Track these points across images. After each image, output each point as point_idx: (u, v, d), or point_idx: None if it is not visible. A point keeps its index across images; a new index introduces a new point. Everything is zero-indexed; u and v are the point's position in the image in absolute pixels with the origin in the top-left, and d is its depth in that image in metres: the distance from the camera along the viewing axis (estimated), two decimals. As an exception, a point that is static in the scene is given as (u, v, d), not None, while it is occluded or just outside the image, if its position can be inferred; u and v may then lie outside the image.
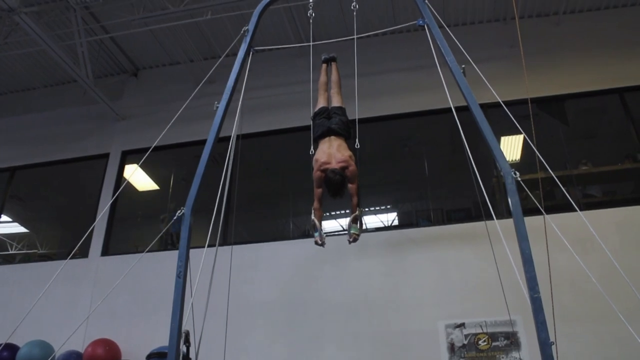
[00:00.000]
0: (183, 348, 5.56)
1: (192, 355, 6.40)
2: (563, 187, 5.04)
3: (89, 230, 6.70)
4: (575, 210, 6.97)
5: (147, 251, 6.16)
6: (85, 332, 7.84)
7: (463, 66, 5.08)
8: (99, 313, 7.77)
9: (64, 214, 11.49)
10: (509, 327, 6.70)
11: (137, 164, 7.54)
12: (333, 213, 9.91)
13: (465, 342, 7.05)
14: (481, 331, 7.04)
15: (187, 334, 5.92)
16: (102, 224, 9.10)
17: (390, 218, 9.00)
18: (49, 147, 10.27)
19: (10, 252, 11.06)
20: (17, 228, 11.51)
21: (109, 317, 8.07)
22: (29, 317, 6.32)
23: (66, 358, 7.64)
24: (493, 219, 5.22)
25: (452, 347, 7.07)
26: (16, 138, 10.61)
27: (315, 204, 5.40)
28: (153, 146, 5.92)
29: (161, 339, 6.68)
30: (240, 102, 5.46)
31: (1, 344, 7.14)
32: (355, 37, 5.73)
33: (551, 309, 4.74)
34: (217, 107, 5.35)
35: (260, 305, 7.82)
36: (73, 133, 10.28)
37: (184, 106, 5.89)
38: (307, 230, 9.97)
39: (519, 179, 4.73)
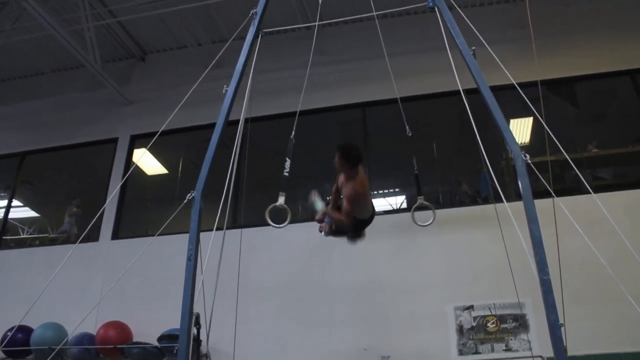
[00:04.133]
0: (194, 330, 5.63)
1: (202, 337, 6.50)
2: (575, 169, 5.02)
3: (99, 214, 6.75)
4: (585, 193, 6.97)
5: (160, 235, 6.21)
6: (97, 314, 7.90)
7: (473, 48, 5.04)
8: (110, 296, 7.83)
9: (75, 199, 11.56)
10: (517, 309, 6.72)
11: (146, 147, 7.55)
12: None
13: (474, 324, 7.09)
14: (490, 313, 7.07)
15: (198, 316, 6.01)
16: (112, 208, 9.17)
17: (398, 201, 8.99)
18: (58, 132, 10.32)
19: (22, 236, 11.15)
20: (28, 212, 11.60)
21: (120, 300, 8.16)
22: (41, 300, 6.40)
23: (79, 340, 7.76)
24: (502, 202, 5.23)
25: (460, 329, 7.11)
26: (26, 123, 10.66)
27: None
28: (161, 130, 5.92)
29: (172, 321, 6.72)
30: (249, 86, 5.45)
31: (14, 326, 7.28)
32: (374, 13, 5.66)
33: (560, 292, 4.73)
34: (226, 91, 5.34)
35: (270, 288, 7.87)
36: (82, 118, 10.31)
37: (192, 90, 5.89)
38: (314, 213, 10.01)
39: (529, 161, 4.72)
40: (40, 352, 7.50)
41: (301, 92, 8.86)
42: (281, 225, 4.66)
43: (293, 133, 5.20)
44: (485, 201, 7.91)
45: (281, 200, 4.75)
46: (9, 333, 7.43)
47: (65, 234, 9.54)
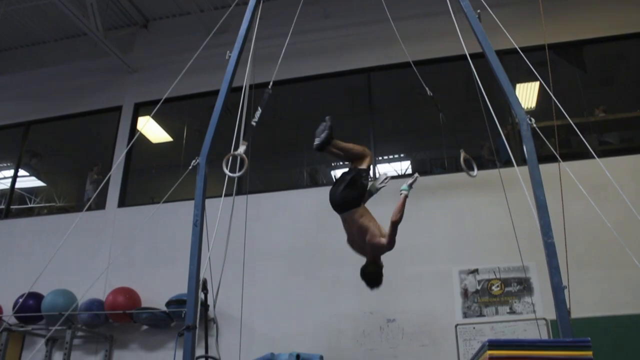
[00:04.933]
0: (201, 295, 5.70)
1: (209, 302, 6.60)
2: (579, 134, 5.00)
3: (104, 181, 6.80)
4: (590, 158, 6.95)
5: (164, 202, 6.26)
6: (106, 281, 8.04)
7: (478, 11, 4.97)
8: (119, 263, 7.97)
9: (80, 168, 11.60)
10: (522, 273, 6.76)
11: (150, 115, 7.55)
12: (346, 162, 9.90)
13: (479, 288, 7.16)
14: (494, 277, 7.14)
15: (205, 282, 6.06)
16: (118, 175, 9.21)
17: (404, 167, 8.99)
18: (61, 101, 10.30)
19: (30, 205, 11.24)
20: (35, 182, 11.67)
21: (128, 267, 8.27)
22: (51, 268, 6.49)
23: (89, 306, 7.89)
24: (508, 167, 5.23)
25: (465, 293, 7.18)
26: (29, 93, 10.64)
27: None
28: (164, 97, 5.92)
29: (180, 287, 6.87)
30: (251, 51, 5.42)
31: (25, 293, 7.40)
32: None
33: (564, 255, 4.77)
34: (229, 57, 5.31)
35: (276, 253, 7.94)
36: (85, 86, 10.28)
37: (195, 56, 5.87)
38: (321, 180, 10.05)
39: (534, 125, 4.70)
40: (51, 317, 7.64)
41: (306, 58, 8.84)
42: (236, 174, 4.61)
43: (271, 84, 5.14)
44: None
45: (242, 149, 4.70)
46: (20, 299, 7.55)
47: (89, 201, 9.53)
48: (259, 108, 4.97)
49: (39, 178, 10.99)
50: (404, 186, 4.99)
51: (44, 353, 8.11)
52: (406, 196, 5.01)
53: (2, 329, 7.39)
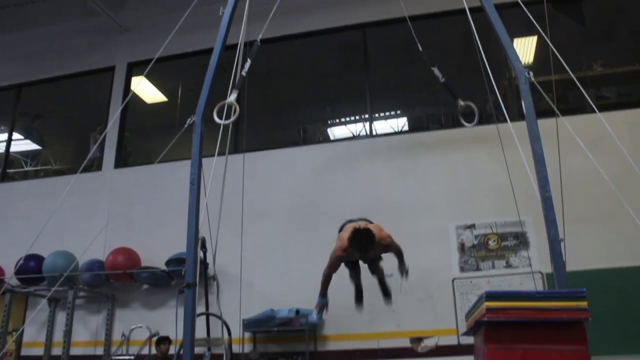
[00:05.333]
0: (200, 253, 5.76)
1: (209, 260, 6.66)
2: (577, 87, 4.97)
3: (99, 141, 6.76)
4: (588, 112, 6.94)
5: (162, 162, 6.25)
6: (105, 242, 8.10)
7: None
8: (117, 224, 8.02)
9: (75, 130, 11.53)
10: (518, 227, 6.82)
11: (143, 75, 7.46)
12: (342, 120, 9.90)
13: (475, 243, 7.23)
14: (491, 232, 7.21)
15: (204, 240, 6.13)
16: (113, 137, 9.17)
17: (400, 124, 8.94)
18: (53, 62, 10.15)
19: (26, 169, 11.20)
20: (30, 145, 11.59)
21: (127, 227, 8.32)
22: (51, 230, 6.52)
23: (89, 266, 7.97)
24: (505, 122, 5.21)
25: (462, 247, 7.27)
26: (20, 54, 10.46)
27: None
28: (157, 56, 5.85)
29: (178, 246, 6.92)
30: (246, 8, 5.33)
31: (25, 255, 7.44)
32: None
33: (561, 209, 4.80)
34: (223, 13, 5.22)
35: (273, 210, 7.98)
36: (77, 47, 10.11)
37: (187, 14, 5.76)
38: (318, 137, 10.02)
39: (533, 79, 4.67)
40: (52, 278, 7.71)
41: (299, 14, 8.68)
42: (227, 122, 4.61)
43: (260, 37, 5.08)
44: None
45: (233, 97, 4.68)
46: (21, 261, 7.61)
47: (90, 162, 9.45)
48: (248, 59, 4.93)
49: (34, 141, 10.90)
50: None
51: (48, 313, 8.23)
52: None
53: (5, 290, 7.46)
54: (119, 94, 9.49)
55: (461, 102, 5.56)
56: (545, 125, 4.89)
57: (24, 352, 8.40)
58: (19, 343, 8.46)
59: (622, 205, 4.72)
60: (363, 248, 4.60)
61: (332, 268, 4.85)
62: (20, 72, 10.32)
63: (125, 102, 7.68)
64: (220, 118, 4.59)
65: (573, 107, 7.71)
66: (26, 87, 10.43)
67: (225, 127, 5.00)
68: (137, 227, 8.40)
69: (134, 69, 9.69)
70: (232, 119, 4.57)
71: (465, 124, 5.54)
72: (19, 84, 10.36)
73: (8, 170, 10.26)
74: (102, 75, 9.92)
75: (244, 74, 4.88)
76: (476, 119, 5.46)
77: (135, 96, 9.72)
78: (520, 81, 4.77)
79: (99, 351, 8.00)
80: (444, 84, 5.62)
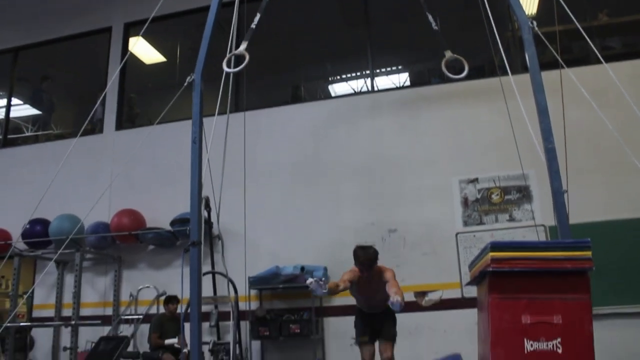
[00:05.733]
0: (204, 213, 5.79)
1: (213, 219, 6.70)
2: (581, 38, 4.88)
3: (98, 102, 6.70)
4: (592, 64, 6.84)
5: (162, 123, 6.22)
6: (110, 204, 8.14)
7: None
8: (121, 186, 8.03)
9: (75, 94, 11.44)
10: (521, 181, 6.80)
11: (140, 34, 7.33)
12: (344, 76, 9.78)
13: (479, 197, 7.23)
14: (494, 185, 7.20)
15: (207, 200, 6.15)
16: (113, 99, 9.10)
17: (402, 79, 8.82)
18: (49, 25, 9.98)
19: (27, 134, 11.16)
20: (29, 110, 11.51)
21: (130, 189, 8.35)
22: (56, 194, 6.54)
23: (95, 228, 8.03)
24: (508, 74, 5.14)
25: (465, 202, 7.28)
26: (14, 17, 10.27)
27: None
28: (152, 15, 5.75)
29: (183, 207, 6.96)
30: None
31: (31, 219, 7.49)
32: None
33: (564, 161, 4.78)
34: (219, -32, 5.11)
35: (276, 168, 7.98)
36: (72, 8, 9.91)
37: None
38: (319, 94, 9.93)
39: (537, 28, 4.59)
40: (59, 242, 7.78)
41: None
42: (235, 70, 4.63)
43: None
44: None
45: (243, 47, 4.66)
46: (27, 225, 7.67)
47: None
48: (258, 13, 4.86)
49: (43, 104, 10.77)
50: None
51: (56, 276, 8.35)
52: None
53: (12, 254, 7.54)
54: (117, 55, 9.36)
55: (450, 54, 5.43)
56: (547, 77, 4.82)
57: (35, 313, 8.56)
58: (30, 305, 8.61)
59: (626, 156, 4.70)
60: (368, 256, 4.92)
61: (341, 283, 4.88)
62: (16, 35, 10.15)
63: (124, 63, 7.60)
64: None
65: (577, 57, 7.59)
66: (23, 50, 10.29)
67: (226, 85, 4.96)
68: (141, 188, 8.42)
69: (131, 29, 9.53)
70: (242, 66, 4.55)
71: (450, 75, 5.43)
72: (15, 47, 10.21)
73: (9, 136, 10.23)
74: (100, 37, 9.77)
75: (253, 26, 4.81)
76: (464, 73, 5.35)
77: (134, 57, 9.60)
78: (523, 31, 4.69)
79: (109, 312, 8.14)
80: (436, 32, 5.48)
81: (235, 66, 4.74)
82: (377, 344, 5.27)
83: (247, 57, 4.57)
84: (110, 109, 9.07)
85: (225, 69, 4.59)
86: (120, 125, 9.08)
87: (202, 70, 4.76)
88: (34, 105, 9.91)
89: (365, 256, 4.93)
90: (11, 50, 10.25)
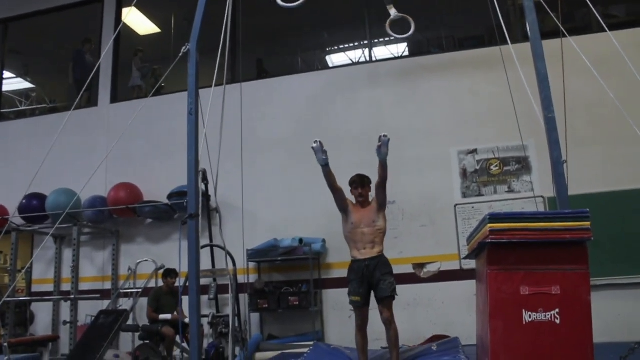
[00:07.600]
0: (202, 185, 5.74)
1: (210, 192, 6.66)
2: (584, 6, 4.79)
3: (92, 74, 6.57)
4: (593, 32, 6.73)
5: (159, 94, 6.13)
6: (106, 178, 8.09)
7: None
8: (118, 159, 7.96)
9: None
10: (520, 152, 6.76)
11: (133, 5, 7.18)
12: (342, 46, 9.62)
13: (478, 168, 7.20)
14: (493, 156, 7.16)
15: (205, 172, 6.10)
16: (107, 71, 8.97)
17: (400, 49, 8.70)
18: (39, -5, 9.80)
19: (21, 108, 11.03)
20: (23, 84, 11.37)
21: (127, 163, 8.29)
22: (52, 168, 6.46)
23: (92, 203, 8.00)
24: (508, 43, 5.05)
25: (464, 173, 7.24)
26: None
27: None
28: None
29: (180, 180, 6.89)
30: None
31: (27, 194, 7.45)
32: None
33: (564, 132, 4.73)
34: None
35: (274, 140, 7.93)
36: (64, -23, 9.72)
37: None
38: (317, 65, 9.81)
39: (538, -5, 4.50)
40: (56, 216, 7.73)
41: None
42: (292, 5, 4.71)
43: None
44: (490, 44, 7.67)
45: None
46: (24, 200, 7.63)
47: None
48: None
49: (26, 79, 10.63)
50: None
51: (55, 251, 8.34)
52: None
53: (10, 229, 7.52)
54: (110, 26, 9.19)
55: (394, 12, 5.31)
56: (549, 46, 4.75)
57: (35, 288, 8.57)
58: (29, 280, 8.63)
59: (626, 126, 4.64)
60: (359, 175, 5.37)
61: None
62: (5, 6, 9.95)
63: (117, 34, 7.46)
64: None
65: (578, 26, 7.48)
66: (12, 22, 10.10)
67: (222, 56, 4.86)
68: (138, 162, 8.37)
69: (124, -1, 9.36)
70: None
71: (393, 34, 5.35)
72: (4, 18, 10.03)
73: (3, 110, 10.11)
74: (92, 8, 9.58)
75: None
76: (410, 32, 5.25)
77: (128, 29, 9.44)
78: (524, -3, 4.60)
79: (107, 285, 8.17)
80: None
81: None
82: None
83: None
84: (104, 82, 8.95)
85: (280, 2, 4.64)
86: (115, 98, 8.96)
87: (198, 39, 4.66)
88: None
89: (357, 175, 5.32)
90: (1, 22, 10.07)
